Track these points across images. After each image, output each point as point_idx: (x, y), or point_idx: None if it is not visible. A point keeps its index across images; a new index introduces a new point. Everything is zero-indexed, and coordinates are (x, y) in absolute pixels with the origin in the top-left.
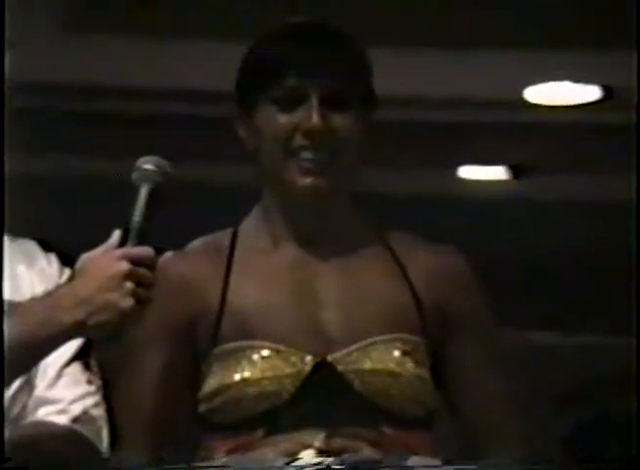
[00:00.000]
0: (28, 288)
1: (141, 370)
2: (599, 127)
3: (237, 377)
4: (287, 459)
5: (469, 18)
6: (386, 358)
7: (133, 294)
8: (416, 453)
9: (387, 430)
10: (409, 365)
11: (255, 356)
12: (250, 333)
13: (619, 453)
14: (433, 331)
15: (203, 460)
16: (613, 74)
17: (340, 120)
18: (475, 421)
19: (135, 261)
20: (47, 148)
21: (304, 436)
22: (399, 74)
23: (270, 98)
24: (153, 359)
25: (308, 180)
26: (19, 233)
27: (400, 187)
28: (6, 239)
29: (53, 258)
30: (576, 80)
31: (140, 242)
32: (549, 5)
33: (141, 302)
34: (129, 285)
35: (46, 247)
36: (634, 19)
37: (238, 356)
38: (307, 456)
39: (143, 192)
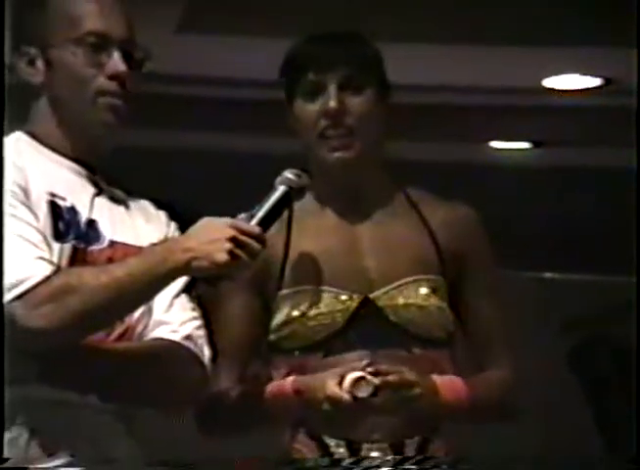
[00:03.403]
0: (145, 233)
1: (231, 308)
2: (601, 109)
3: (298, 313)
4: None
5: (506, 19)
6: (414, 295)
7: (229, 252)
8: (439, 367)
9: (416, 350)
10: (433, 300)
11: (313, 297)
12: (307, 279)
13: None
14: (450, 271)
15: (269, 380)
16: (612, 67)
17: (354, 103)
18: (476, 341)
19: (241, 232)
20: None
21: (354, 361)
22: (446, 67)
23: (299, 92)
24: (238, 301)
25: (335, 155)
26: (143, 194)
27: (442, 157)
28: (125, 196)
29: (162, 213)
30: (583, 73)
31: (259, 226)
32: (570, 11)
33: (236, 259)
34: (228, 245)
35: (158, 204)
36: (633, 20)
37: (298, 297)
38: (352, 378)
39: (279, 190)
